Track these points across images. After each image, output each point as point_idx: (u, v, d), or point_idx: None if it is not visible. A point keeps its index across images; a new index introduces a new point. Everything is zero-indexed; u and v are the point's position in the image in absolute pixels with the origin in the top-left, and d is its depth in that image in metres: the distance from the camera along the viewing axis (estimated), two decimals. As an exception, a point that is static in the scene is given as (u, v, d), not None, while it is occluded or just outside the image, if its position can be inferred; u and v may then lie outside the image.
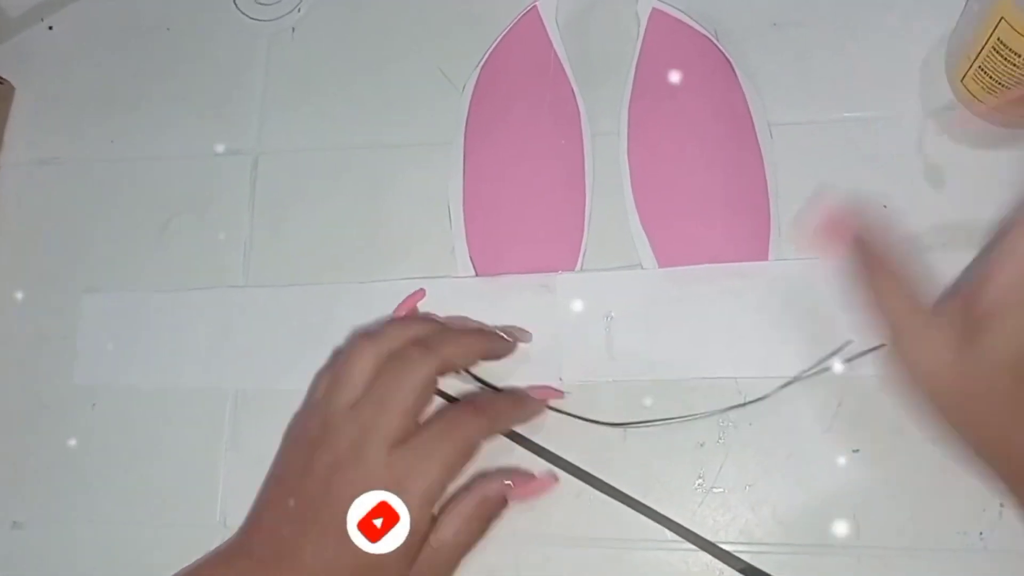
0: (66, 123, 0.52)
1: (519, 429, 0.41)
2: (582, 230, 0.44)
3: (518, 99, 0.46)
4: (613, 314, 0.42)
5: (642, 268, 0.43)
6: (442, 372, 0.39)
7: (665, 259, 0.43)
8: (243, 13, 0.52)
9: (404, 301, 0.43)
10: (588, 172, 0.45)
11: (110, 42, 0.53)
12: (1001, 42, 0.37)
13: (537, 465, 0.41)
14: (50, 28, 0.55)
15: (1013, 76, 0.38)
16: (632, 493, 0.40)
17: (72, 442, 0.46)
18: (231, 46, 0.52)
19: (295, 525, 0.37)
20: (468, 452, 0.38)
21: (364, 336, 0.40)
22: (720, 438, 0.40)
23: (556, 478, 0.41)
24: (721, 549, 0.39)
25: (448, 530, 0.38)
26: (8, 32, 0.55)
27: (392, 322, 0.42)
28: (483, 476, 0.40)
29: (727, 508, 0.39)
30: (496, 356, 0.42)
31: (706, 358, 0.41)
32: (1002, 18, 0.36)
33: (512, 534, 0.40)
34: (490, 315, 0.43)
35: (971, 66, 0.40)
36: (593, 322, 0.42)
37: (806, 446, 0.39)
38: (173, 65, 0.52)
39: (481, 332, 0.42)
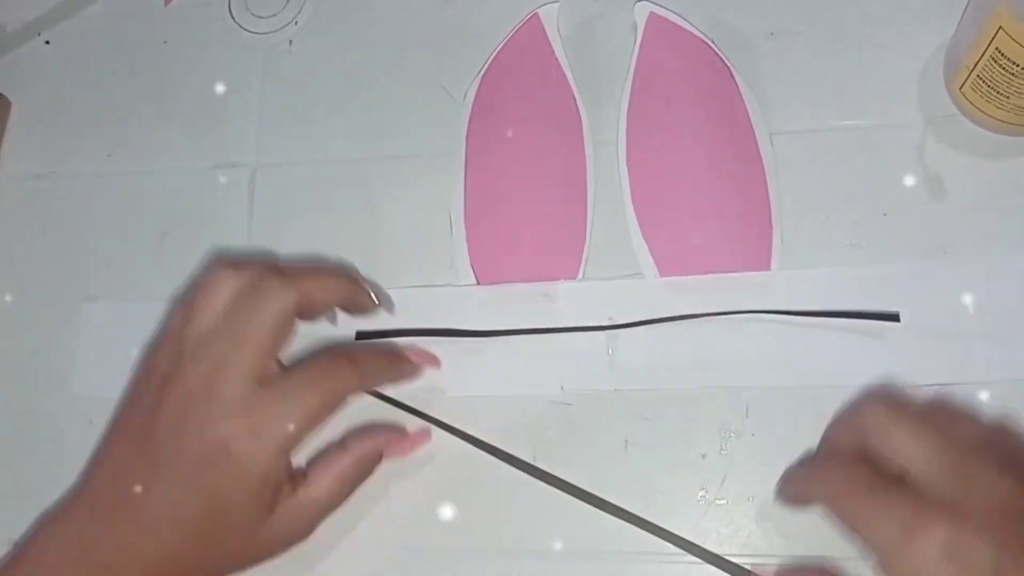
0: (63, 137, 0.52)
1: (538, 462, 0.41)
2: (584, 239, 0.44)
3: (520, 107, 0.46)
4: (614, 323, 0.42)
5: (643, 277, 0.43)
6: (302, 307, 0.37)
7: (666, 269, 0.43)
8: (240, 26, 0.52)
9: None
10: (590, 180, 0.45)
11: (107, 56, 0.53)
12: (1000, 52, 0.37)
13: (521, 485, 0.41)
14: (47, 43, 0.54)
15: (1012, 85, 0.38)
16: (633, 505, 0.40)
17: (69, 460, 0.45)
18: (228, 59, 0.52)
19: (142, 469, 0.35)
20: (334, 404, 0.36)
21: (224, 263, 0.38)
22: (723, 449, 0.40)
23: (429, 434, 0.40)
24: (722, 559, 0.38)
25: (320, 488, 0.37)
26: (5, 47, 0.54)
27: (253, 257, 0.40)
28: (356, 432, 0.39)
29: (730, 521, 0.39)
30: (358, 309, 0.40)
31: (708, 368, 0.41)
32: (1000, 28, 0.36)
33: (513, 548, 0.40)
34: (492, 324, 0.43)
35: (969, 75, 0.40)
36: (594, 331, 0.42)
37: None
38: (170, 78, 0.52)
39: (347, 278, 0.40)
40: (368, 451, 0.39)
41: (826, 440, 0.38)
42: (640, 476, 0.40)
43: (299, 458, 0.38)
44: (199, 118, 0.51)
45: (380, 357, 0.40)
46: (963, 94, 0.41)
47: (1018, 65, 0.37)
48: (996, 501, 0.29)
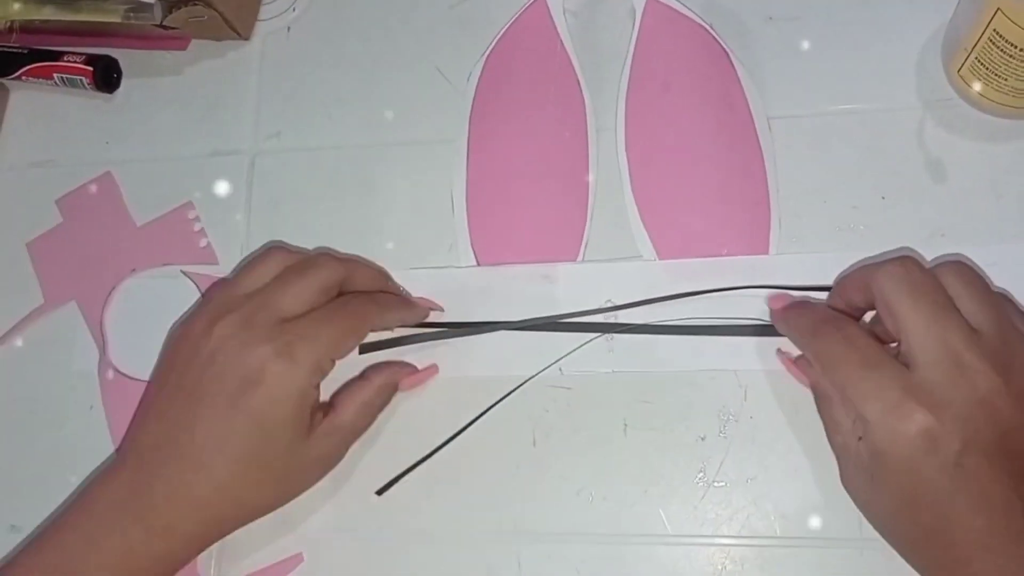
0: (61, 125, 0.52)
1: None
2: (584, 221, 0.44)
3: (523, 89, 0.46)
4: (614, 304, 0.42)
5: (643, 260, 0.43)
6: (345, 286, 0.40)
7: (665, 252, 0.43)
8: (238, 13, 0.52)
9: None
10: (592, 163, 0.45)
11: (105, 43, 0.53)
12: (998, 33, 0.37)
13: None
14: (44, 30, 0.54)
15: (1010, 67, 0.38)
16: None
17: (70, 445, 0.45)
18: (226, 45, 0.51)
19: (185, 411, 0.37)
20: (360, 331, 0.39)
21: (279, 246, 0.42)
22: (721, 432, 0.40)
23: (437, 368, 0.42)
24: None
25: (348, 412, 0.39)
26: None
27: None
28: (373, 367, 0.42)
29: (729, 502, 0.39)
30: (405, 319, 0.42)
31: (706, 351, 0.41)
32: (999, 9, 0.36)
33: (513, 531, 0.40)
34: (491, 304, 0.43)
35: (967, 58, 0.40)
36: (594, 314, 0.42)
37: (808, 439, 0.39)
38: (167, 65, 0.52)
39: (387, 278, 0.43)
40: (386, 380, 0.41)
41: (836, 289, 0.39)
42: (639, 459, 0.40)
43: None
44: (197, 105, 0.51)
45: (395, 297, 0.43)
46: (961, 77, 0.41)
47: (1016, 47, 0.37)
48: (977, 398, 0.32)
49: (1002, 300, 0.35)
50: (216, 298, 0.39)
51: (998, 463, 0.31)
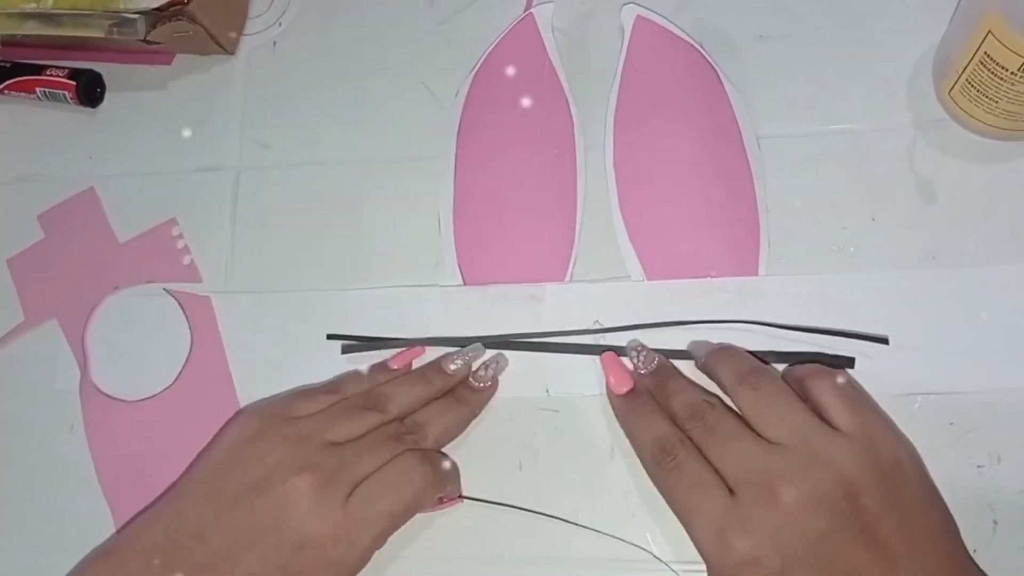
0: (43, 140, 0.51)
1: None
2: (572, 241, 0.43)
3: (511, 107, 0.46)
4: (601, 326, 0.42)
5: (631, 281, 0.42)
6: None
7: (653, 272, 0.42)
8: (224, 27, 0.52)
9: (401, 354, 0.42)
10: (580, 182, 0.44)
11: (89, 57, 0.53)
12: (988, 56, 0.37)
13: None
14: (27, 43, 0.54)
15: (1000, 89, 0.38)
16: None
17: (50, 466, 0.45)
18: (211, 60, 0.51)
19: (235, 536, 0.36)
20: (415, 508, 0.38)
21: (380, 391, 0.40)
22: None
23: (461, 499, 0.40)
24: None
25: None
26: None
27: (400, 385, 0.41)
28: None
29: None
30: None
31: (695, 372, 0.40)
32: (989, 32, 0.36)
33: (498, 556, 0.40)
34: (477, 324, 0.43)
35: (958, 79, 0.40)
36: (581, 335, 0.42)
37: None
38: (152, 79, 0.51)
39: (466, 407, 0.41)
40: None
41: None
42: (627, 484, 0.40)
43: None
44: (182, 121, 0.50)
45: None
46: (952, 98, 0.41)
47: (1007, 70, 0.37)
48: (783, 513, 0.33)
49: (794, 409, 0.35)
50: (296, 429, 0.38)
51: (819, 568, 0.33)
